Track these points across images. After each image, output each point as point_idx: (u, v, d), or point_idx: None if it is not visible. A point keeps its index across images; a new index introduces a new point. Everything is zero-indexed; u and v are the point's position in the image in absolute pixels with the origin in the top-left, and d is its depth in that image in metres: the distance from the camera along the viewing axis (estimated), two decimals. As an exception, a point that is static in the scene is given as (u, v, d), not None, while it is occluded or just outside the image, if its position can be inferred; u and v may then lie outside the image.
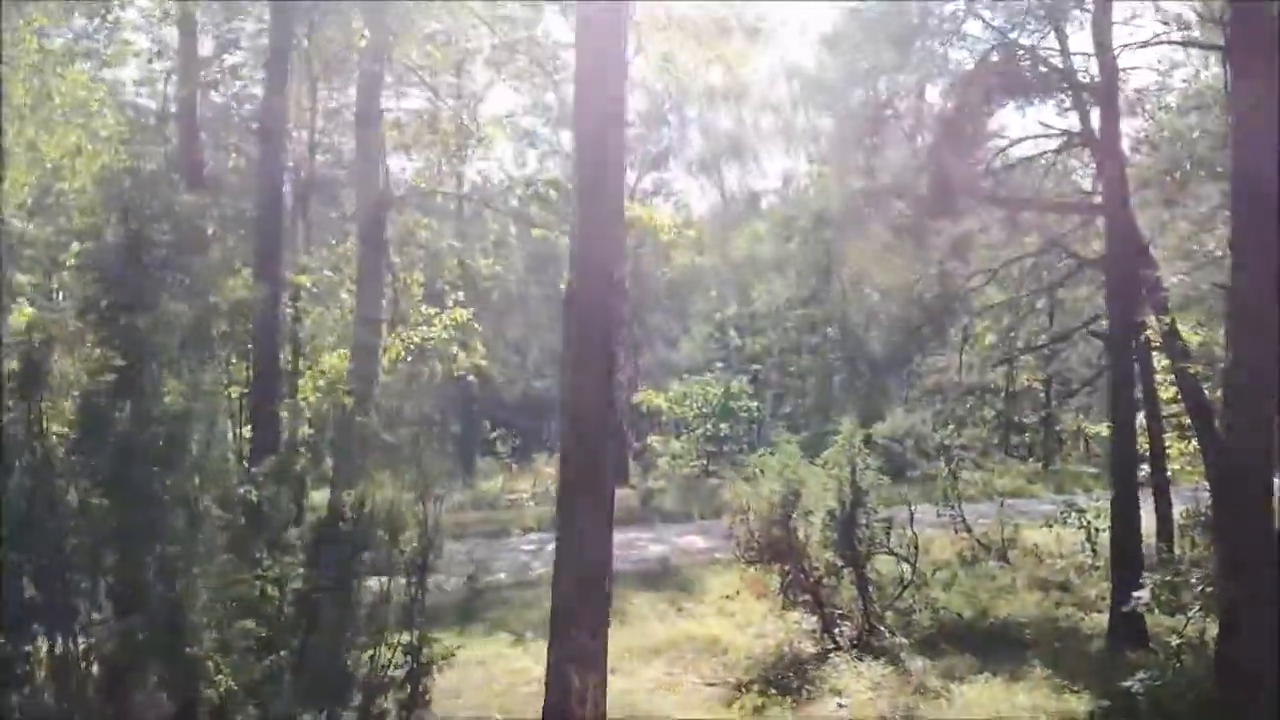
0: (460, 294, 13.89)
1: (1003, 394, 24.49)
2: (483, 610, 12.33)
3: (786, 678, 9.29)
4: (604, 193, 5.22)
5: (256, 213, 9.05)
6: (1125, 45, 12.23)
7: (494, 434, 31.25)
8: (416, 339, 13.52)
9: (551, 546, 19.86)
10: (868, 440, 19.43)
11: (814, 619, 11.04)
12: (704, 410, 30.55)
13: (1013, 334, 19.00)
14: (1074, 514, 14.85)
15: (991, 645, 10.59)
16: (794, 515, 10.49)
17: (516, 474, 30.03)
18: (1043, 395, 32.33)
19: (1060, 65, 12.25)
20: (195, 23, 10.53)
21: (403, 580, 9.45)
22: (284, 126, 9.45)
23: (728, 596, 12.66)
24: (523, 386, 39.96)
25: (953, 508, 16.84)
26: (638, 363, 44.20)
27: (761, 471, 10.93)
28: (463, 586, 12.87)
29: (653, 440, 31.47)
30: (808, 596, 10.83)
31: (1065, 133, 12.84)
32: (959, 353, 18.04)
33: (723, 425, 30.35)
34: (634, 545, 19.69)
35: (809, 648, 10.74)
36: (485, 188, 13.09)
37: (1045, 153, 13.17)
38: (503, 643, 10.78)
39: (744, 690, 8.97)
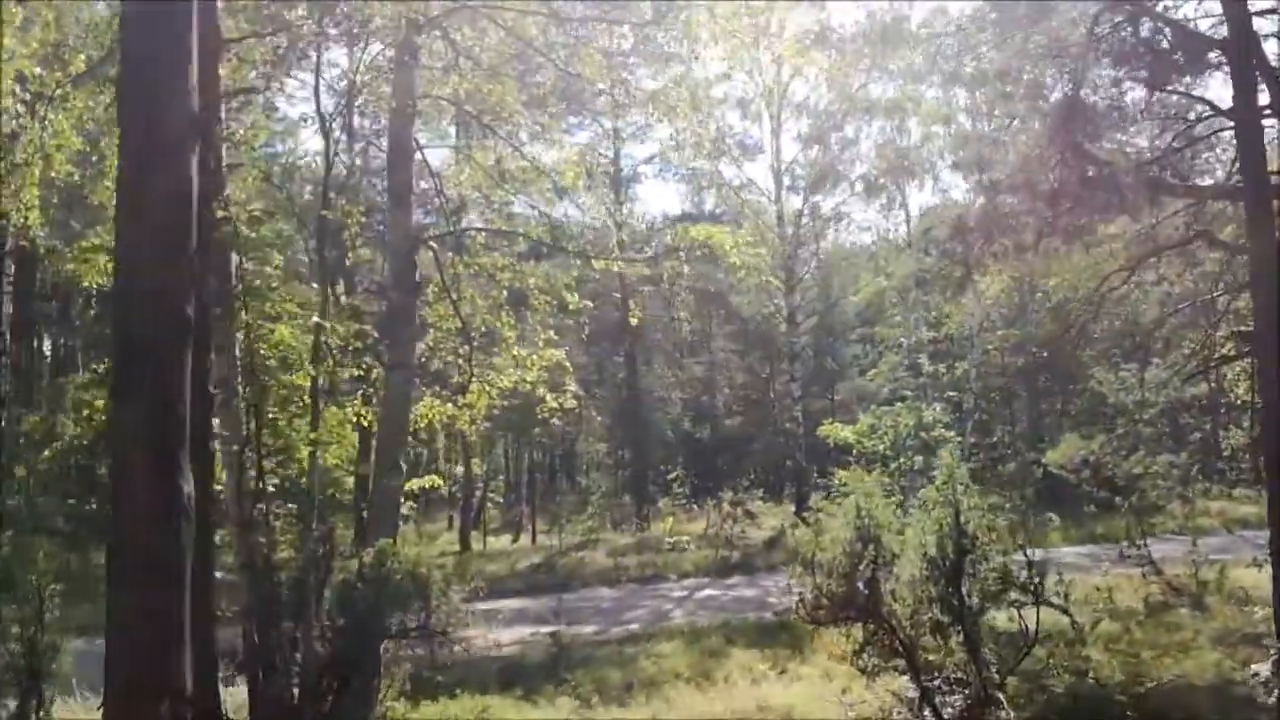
0: (551, 334, 13.31)
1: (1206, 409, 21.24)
2: (565, 669, 11.54)
3: (849, 761, 7.90)
4: (149, 183, 4.30)
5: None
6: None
7: (671, 475, 30.61)
8: (507, 383, 13.07)
9: (702, 594, 19.14)
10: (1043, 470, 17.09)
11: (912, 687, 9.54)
12: (898, 443, 28.66)
13: (1208, 341, 16.39)
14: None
15: (1134, 720, 8.72)
16: (866, 565, 9.06)
17: (693, 516, 29.23)
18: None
19: (1187, 28, 10.31)
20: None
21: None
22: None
23: (840, 657, 11.28)
24: (711, 425, 39.26)
25: (1138, 546, 14.58)
26: (833, 396, 42.56)
27: (829, 514, 9.61)
28: (549, 643, 12.18)
29: (841, 475, 29.76)
30: (900, 661, 9.34)
31: (1208, 106, 10.78)
32: (1141, 365, 15.73)
33: (917, 458, 28.25)
34: (788, 592, 18.37)
35: (904, 721, 9.26)
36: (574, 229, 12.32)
37: (1188, 129, 11.15)
38: (564, 709, 9.96)
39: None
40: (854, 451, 29.16)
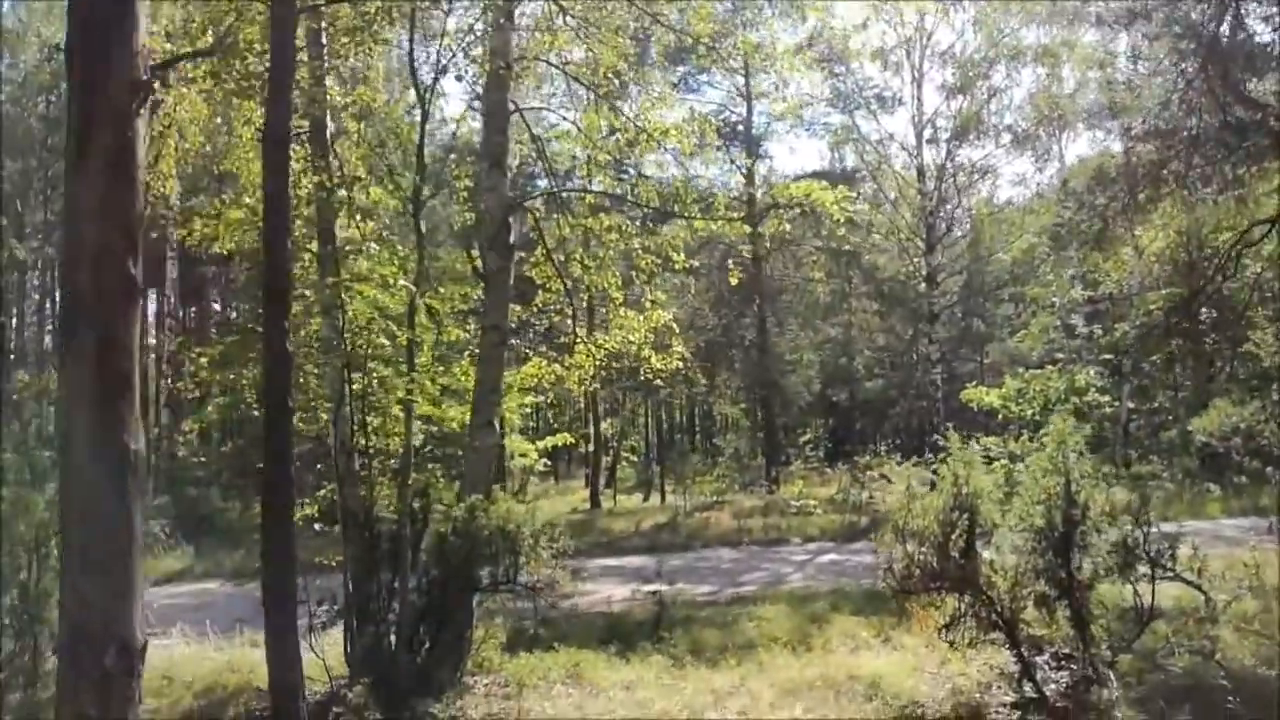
0: (659, 294, 13.27)
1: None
2: (666, 628, 11.60)
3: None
4: (91, 145, 4.26)
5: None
6: None
7: (804, 437, 30.28)
8: (613, 345, 13.13)
9: (824, 559, 18.89)
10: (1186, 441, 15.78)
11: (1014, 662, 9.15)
12: (1048, 408, 27.39)
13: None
14: None
15: (1258, 711, 8.09)
16: (960, 534, 8.71)
17: (826, 480, 28.84)
18: None
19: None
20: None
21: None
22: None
23: (945, 626, 10.92)
24: (849, 388, 38.48)
25: (1290, 522, 13.50)
26: (982, 358, 40.93)
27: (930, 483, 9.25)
28: (651, 601, 12.28)
29: (985, 442, 28.64)
30: (997, 634, 8.97)
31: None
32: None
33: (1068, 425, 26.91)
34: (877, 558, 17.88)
35: (1003, 697, 8.91)
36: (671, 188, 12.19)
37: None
38: (655, 667, 10.02)
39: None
40: (999, 417, 28.06)
